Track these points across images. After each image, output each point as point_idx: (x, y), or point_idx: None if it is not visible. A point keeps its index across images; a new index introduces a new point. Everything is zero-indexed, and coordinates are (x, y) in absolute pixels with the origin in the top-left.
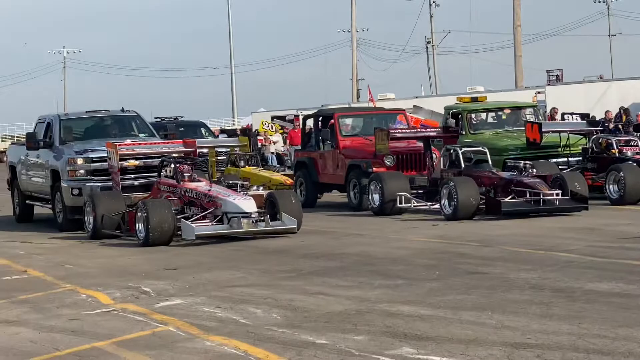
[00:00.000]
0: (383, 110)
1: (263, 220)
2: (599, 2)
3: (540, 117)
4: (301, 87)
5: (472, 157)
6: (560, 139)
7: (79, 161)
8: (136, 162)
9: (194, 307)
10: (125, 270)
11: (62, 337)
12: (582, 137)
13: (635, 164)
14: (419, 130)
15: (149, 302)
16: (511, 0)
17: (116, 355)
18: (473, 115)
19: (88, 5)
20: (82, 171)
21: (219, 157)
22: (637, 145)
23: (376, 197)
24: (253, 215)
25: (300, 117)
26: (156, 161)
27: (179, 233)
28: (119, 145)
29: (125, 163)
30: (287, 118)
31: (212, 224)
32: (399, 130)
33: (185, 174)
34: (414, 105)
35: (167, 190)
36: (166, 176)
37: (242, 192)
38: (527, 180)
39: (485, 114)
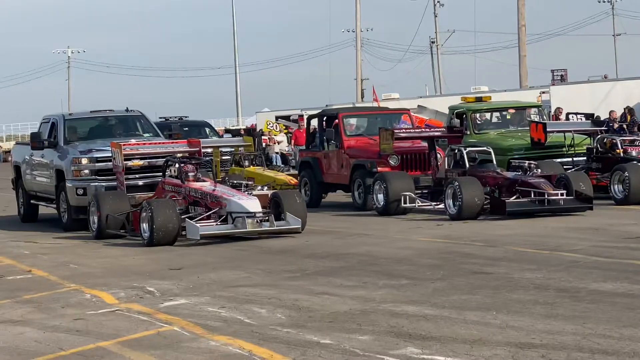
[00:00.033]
0: (387, 110)
1: (267, 220)
2: (604, 2)
3: (544, 117)
4: (305, 87)
5: (477, 157)
6: (565, 139)
7: (84, 161)
8: (140, 162)
9: (199, 307)
10: (130, 270)
11: (66, 337)
12: (586, 137)
13: None
14: (423, 130)
15: (154, 302)
16: (515, 0)
17: (121, 355)
18: (477, 115)
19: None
20: (86, 171)
21: (224, 157)
22: None
23: (380, 197)
24: (257, 215)
25: (305, 117)
26: (160, 161)
27: (183, 233)
28: (124, 145)
29: (129, 163)
30: (291, 118)
31: (216, 224)
32: (404, 130)
33: (189, 174)
34: (419, 105)
35: (171, 190)
36: (171, 176)
37: (246, 192)
38: (532, 180)
39: (489, 113)
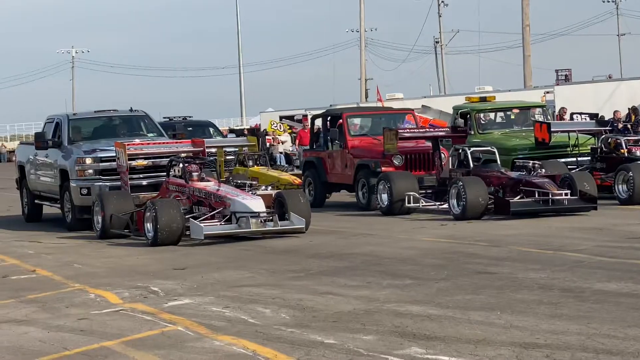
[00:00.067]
0: (391, 110)
1: (271, 220)
2: (608, 1)
3: (549, 117)
4: (309, 86)
5: (481, 156)
6: (569, 139)
7: (88, 161)
8: (145, 162)
9: (203, 307)
10: (134, 270)
11: (70, 337)
12: (591, 136)
13: None
14: (427, 130)
15: (158, 301)
16: (520, 0)
17: (125, 354)
18: (482, 115)
19: (97, 5)
20: (90, 171)
21: (228, 157)
22: None
23: (385, 196)
24: (261, 215)
25: (309, 117)
26: (165, 161)
27: (187, 233)
28: (128, 145)
29: (133, 163)
30: (295, 118)
31: (220, 224)
32: (408, 130)
33: (193, 174)
34: (423, 105)
35: (175, 190)
36: (175, 176)
37: (250, 192)
38: (536, 180)
39: (493, 113)
